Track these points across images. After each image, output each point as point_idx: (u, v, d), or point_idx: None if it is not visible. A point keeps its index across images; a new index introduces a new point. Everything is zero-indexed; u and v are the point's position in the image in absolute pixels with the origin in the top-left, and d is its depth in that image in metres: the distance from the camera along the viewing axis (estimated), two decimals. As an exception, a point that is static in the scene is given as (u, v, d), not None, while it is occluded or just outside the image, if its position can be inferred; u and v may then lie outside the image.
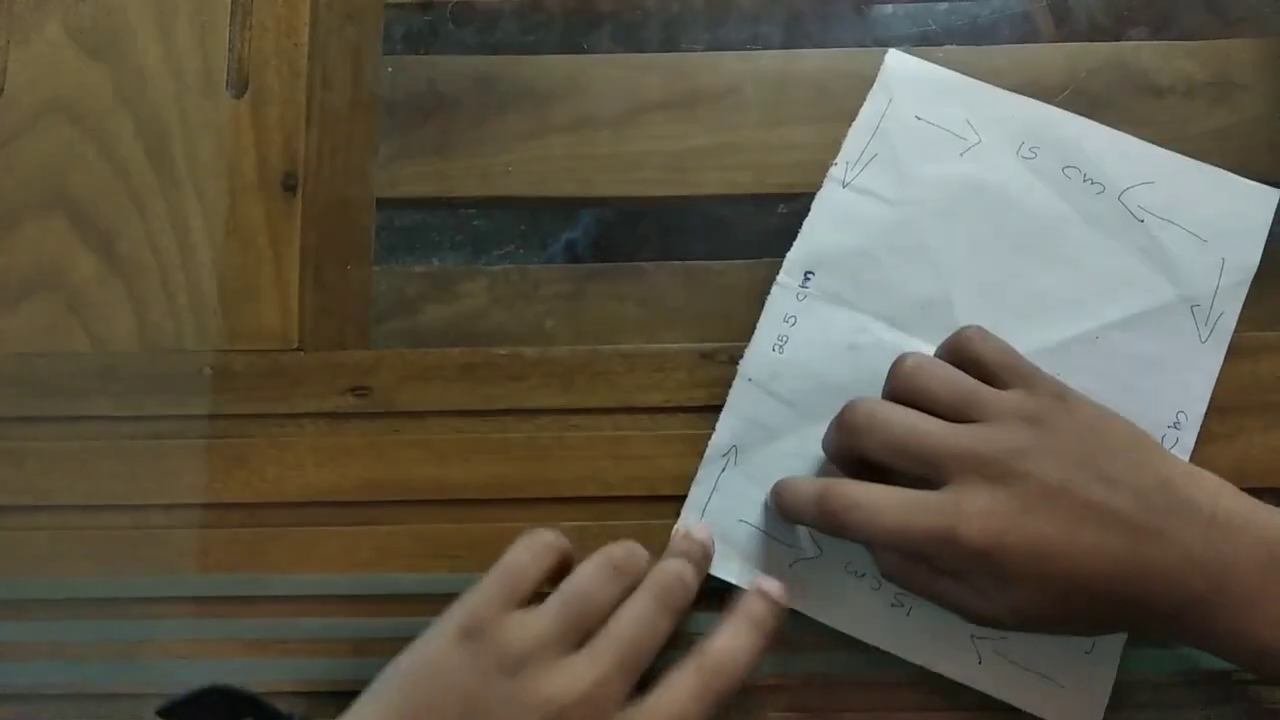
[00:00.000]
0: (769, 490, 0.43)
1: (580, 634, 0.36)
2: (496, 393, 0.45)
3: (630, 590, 0.38)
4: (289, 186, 0.47)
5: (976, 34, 0.50)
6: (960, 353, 0.41)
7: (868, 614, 0.42)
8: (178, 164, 0.47)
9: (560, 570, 0.38)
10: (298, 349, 0.46)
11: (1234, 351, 0.44)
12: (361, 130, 0.48)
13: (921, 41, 0.49)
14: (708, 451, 0.44)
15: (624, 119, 0.48)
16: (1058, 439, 0.37)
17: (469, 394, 0.45)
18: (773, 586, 0.40)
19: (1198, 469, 0.37)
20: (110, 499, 0.44)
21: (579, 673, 0.35)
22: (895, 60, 0.48)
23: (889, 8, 0.51)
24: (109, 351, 0.46)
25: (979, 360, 0.40)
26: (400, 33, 0.50)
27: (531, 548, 0.38)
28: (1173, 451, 0.42)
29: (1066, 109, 0.47)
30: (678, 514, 0.44)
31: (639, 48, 0.50)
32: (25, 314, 0.46)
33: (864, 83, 0.48)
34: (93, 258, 0.47)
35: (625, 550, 0.39)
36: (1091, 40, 0.49)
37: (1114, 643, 0.42)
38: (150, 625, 0.43)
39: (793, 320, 0.45)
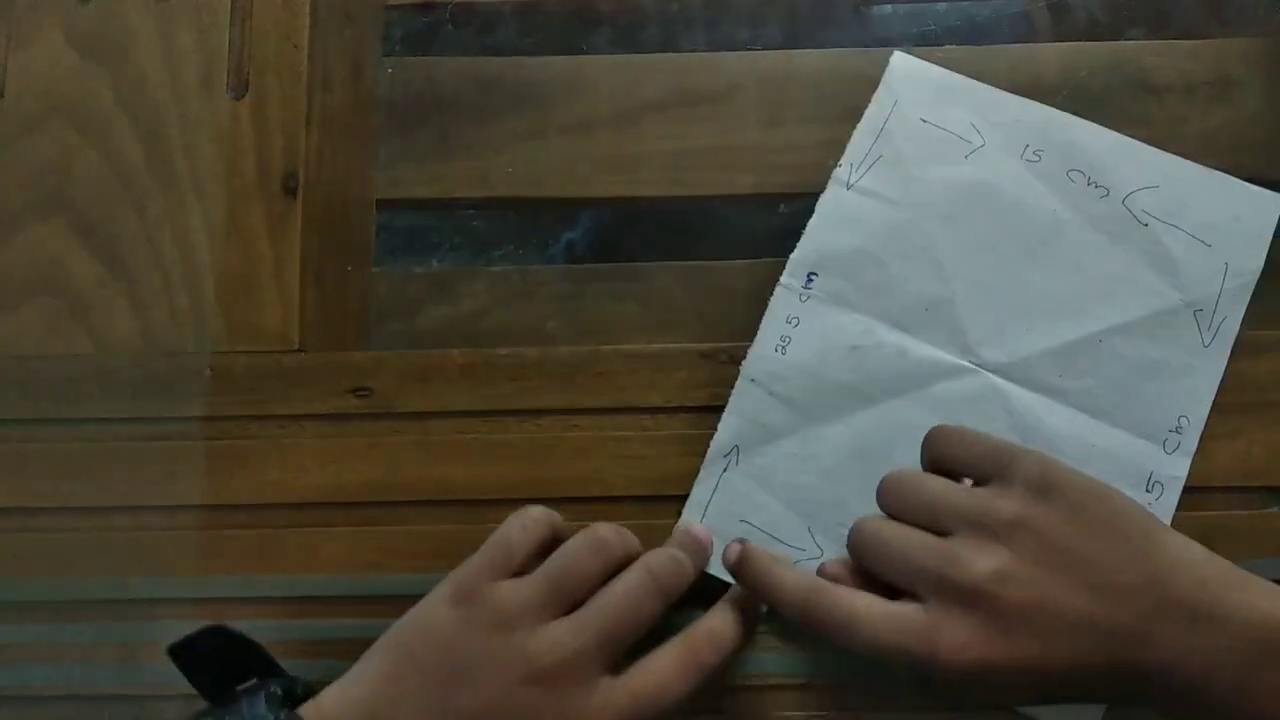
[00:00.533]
0: (769, 493, 0.43)
1: (565, 603, 0.37)
2: (497, 393, 0.45)
3: (616, 567, 0.39)
4: (289, 188, 0.47)
5: (976, 34, 0.50)
6: (934, 455, 0.41)
7: None
8: (178, 166, 0.48)
9: (551, 545, 0.39)
10: (298, 350, 0.46)
11: (1235, 351, 0.44)
12: (361, 132, 0.48)
13: (921, 41, 0.49)
14: (709, 452, 0.44)
15: (624, 119, 0.48)
16: (1037, 543, 0.36)
17: (470, 395, 0.45)
18: None
19: (1186, 544, 0.36)
20: (111, 501, 0.44)
21: (562, 636, 0.36)
22: (900, 62, 0.48)
23: (888, 8, 0.51)
24: (109, 353, 0.46)
25: (951, 460, 0.40)
26: (400, 34, 0.50)
27: (522, 522, 0.39)
28: (1174, 455, 0.42)
29: (1065, 109, 0.47)
30: (678, 514, 0.44)
31: (638, 48, 0.50)
32: (26, 316, 0.46)
33: (864, 83, 0.48)
34: (93, 260, 0.47)
35: (613, 528, 0.40)
36: (1090, 40, 0.49)
37: None
38: (151, 627, 0.43)
39: (795, 321, 0.45)
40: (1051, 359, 0.44)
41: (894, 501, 0.40)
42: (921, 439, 0.42)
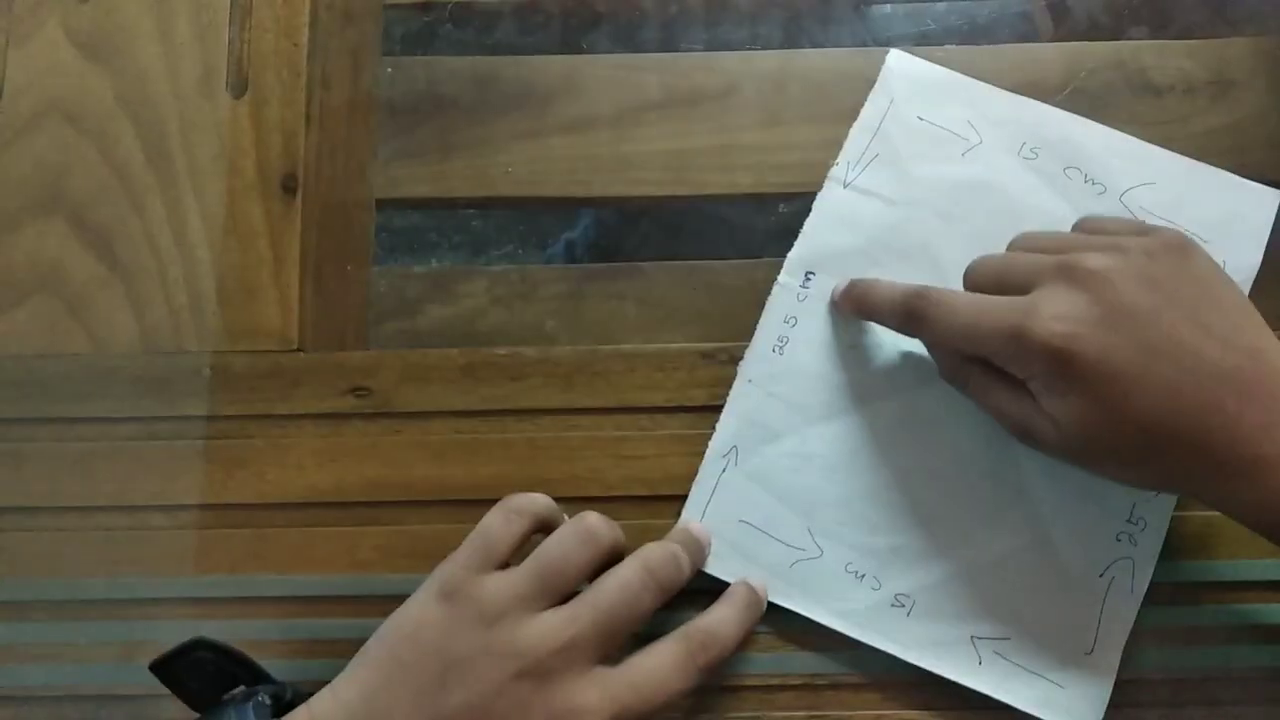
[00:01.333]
0: (768, 493, 0.44)
1: (553, 594, 0.37)
2: (496, 393, 0.45)
3: (604, 558, 0.39)
4: (288, 187, 0.47)
5: (976, 33, 0.50)
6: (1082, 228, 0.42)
7: (868, 615, 0.42)
8: (177, 165, 0.47)
9: (541, 532, 0.39)
10: (297, 350, 0.46)
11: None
12: (361, 131, 0.48)
13: (920, 41, 0.49)
14: (708, 452, 0.44)
15: (623, 119, 0.48)
16: (1159, 271, 0.36)
17: (469, 394, 0.45)
18: (758, 584, 0.42)
19: None
20: (110, 500, 0.44)
21: (553, 627, 0.36)
22: (896, 60, 0.48)
23: (888, 7, 0.51)
24: (108, 353, 0.46)
25: (1100, 228, 0.40)
26: (399, 33, 0.50)
27: (504, 514, 0.39)
28: None
29: (1066, 108, 0.47)
30: (678, 514, 0.44)
31: (638, 48, 0.50)
32: (24, 315, 0.46)
33: (863, 82, 0.48)
34: (92, 259, 0.47)
35: (602, 519, 0.39)
36: (1091, 39, 0.49)
37: (1114, 644, 0.42)
38: (150, 626, 0.43)
39: (793, 321, 0.45)
40: None
41: (1026, 241, 0.41)
42: (920, 438, 0.42)
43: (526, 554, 0.38)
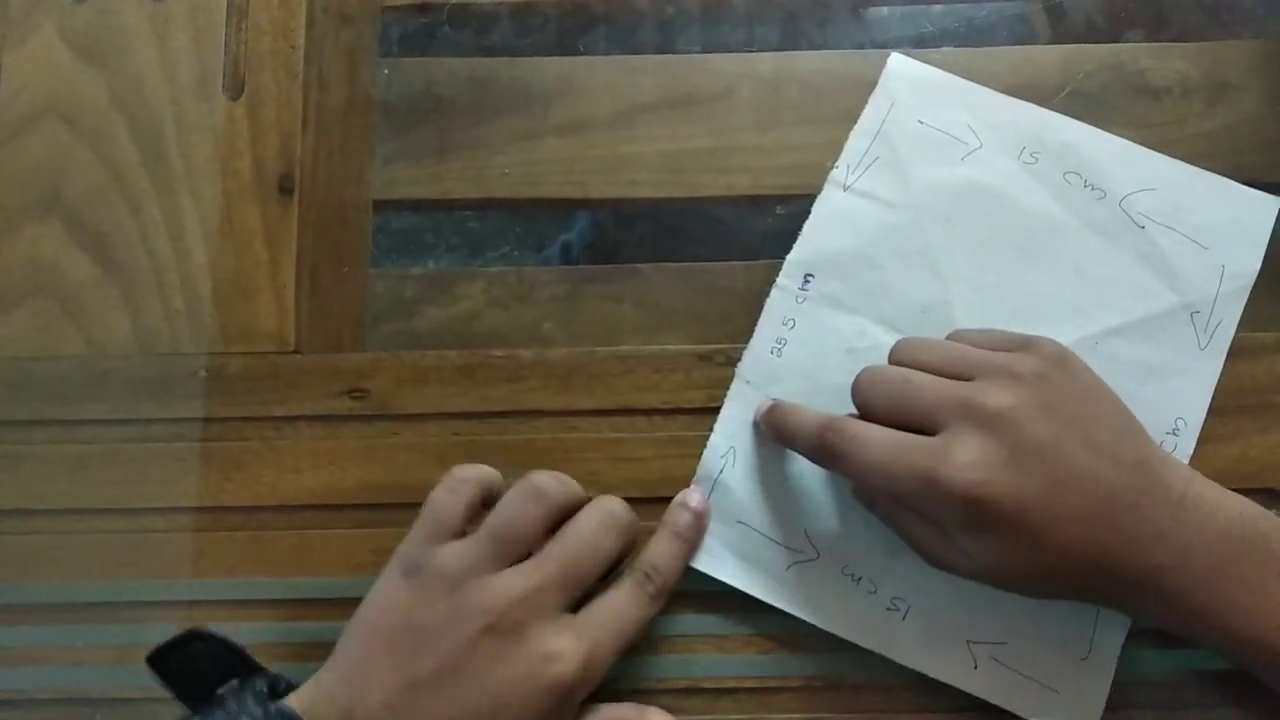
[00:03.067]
0: (765, 495, 0.44)
1: (511, 554, 0.38)
2: (494, 395, 0.45)
3: (560, 514, 0.40)
4: (285, 189, 0.47)
5: (973, 36, 0.50)
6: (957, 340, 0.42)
7: (864, 618, 0.42)
8: (173, 166, 0.47)
9: (487, 501, 0.40)
10: (294, 351, 0.46)
11: (1232, 353, 0.44)
12: (358, 133, 0.48)
13: (918, 44, 0.49)
14: (705, 453, 0.44)
15: (620, 121, 0.48)
16: (1052, 397, 0.37)
17: (466, 396, 0.45)
18: (693, 499, 0.43)
19: (1171, 457, 0.39)
20: (106, 503, 0.44)
21: (513, 581, 0.37)
22: (897, 64, 0.48)
23: (885, 10, 0.51)
24: (104, 355, 0.46)
25: (975, 343, 0.41)
26: (396, 35, 0.50)
27: (448, 486, 0.40)
28: (1174, 455, 0.42)
29: (1064, 111, 0.47)
30: (675, 516, 0.44)
31: (635, 50, 0.50)
32: (20, 317, 0.46)
33: (861, 85, 0.48)
34: (88, 261, 0.46)
35: (550, 475, 0.40)
36: (1088, 42, 0.49)
37: (1110, 648, 0.42)
38: (146, 629, 0.43)
39: (791, 323, 0.45)
40: None
41: (909, 355, 0.41)
42: None
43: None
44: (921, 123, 0.47)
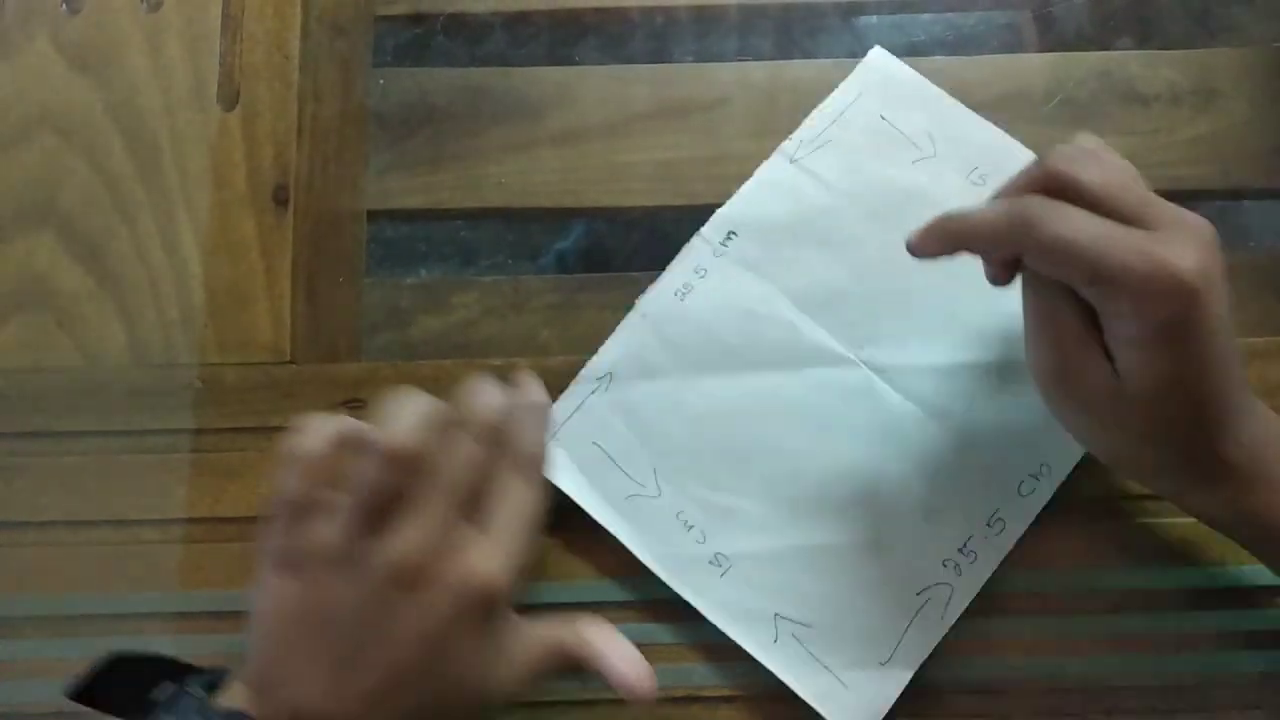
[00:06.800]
0: (628, 426, 0.44)
1: (380, 508, 0.35)
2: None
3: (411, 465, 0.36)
4: (280, 199, 0.47)
5: (963, 44, 0.50)
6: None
7: (684, 564, 0.43)
8: (168, 177, 0.47)
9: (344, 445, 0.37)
10: (290, 362, 0.46)
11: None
12: (352, 143, 0.48)
13: (909, 52, 0.49)
14: (583, 371, 0.45)
15: (614, 130, 0.48)
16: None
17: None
18: (532, 386, 0.42)
19: None
20: (100, 515, 0.44)
21: (405, 530, 0.35)
22: (877, 57, 0.48)
23: (875, 18, 0.51)
24: (99, 366, 0.45)
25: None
26: (390, 45, 0.50)
27: (289, 469, 0.36)
28: (1028, 499, 0.43)
29: (1053, 118, 0.48)
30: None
31: (628, 59, 0.50)
32: (14, 329, 0.46)
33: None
34: (82, 272, 0.46)
35: (407, 411, 0.36)
36: (1078, 50, 0.49)
37: (911, 659, 0.41)
38: (140, 642, 0.42)
39: (703, 273, 0.46)
40: (935, 376, 0.44)
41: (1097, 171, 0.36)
42: (790, 416, 0.44)
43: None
44: (883, 118, 0.47)
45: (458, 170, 0.48)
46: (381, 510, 0.35)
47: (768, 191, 0.47)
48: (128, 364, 0.46)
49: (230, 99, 0.48)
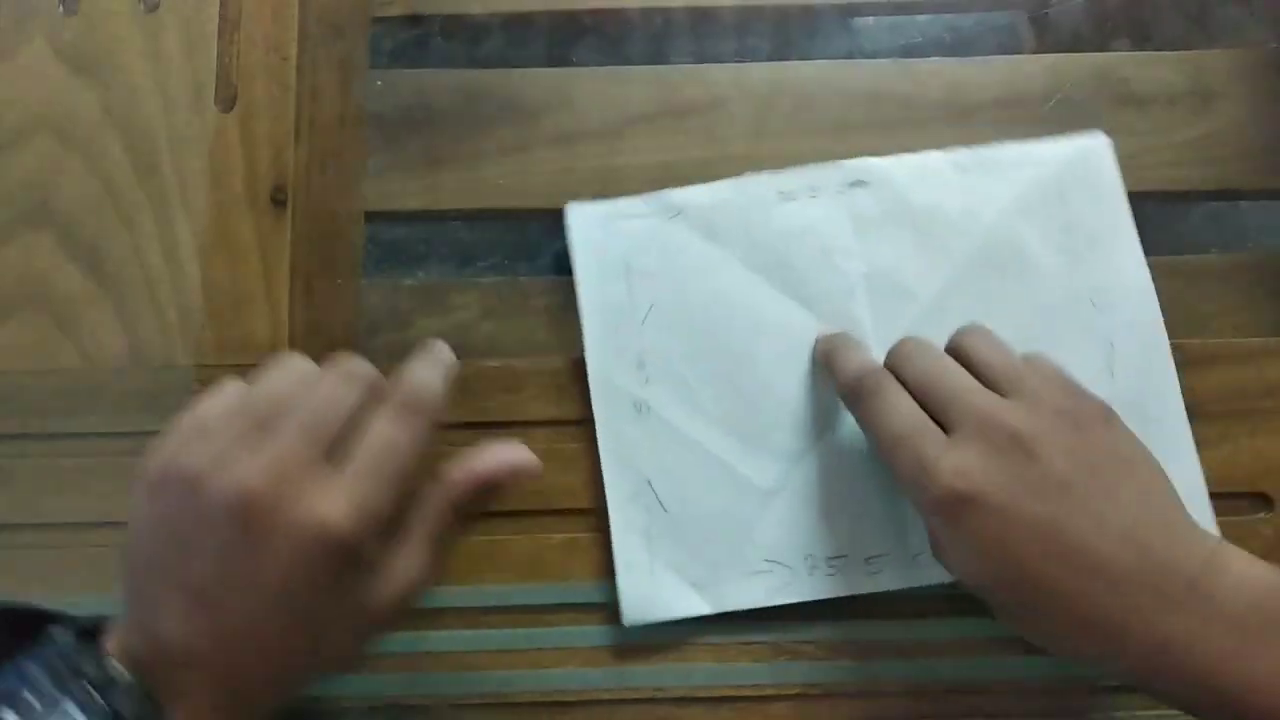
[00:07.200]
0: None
1: (254, 436, 0.34)
2: (490, 405, 0.45)
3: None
4: (278, 201, 0.47)
5: (960, 46, 0.50)
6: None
7: (613, 391, 0.45)
8: (166, 179, 0.47)
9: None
10: (288, 363, 0.46)
11: (1221, 358, 0.45)
12: (350, 144, 0.48)
13: (906, 53, 0.50)
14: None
15: (611, 131, 0.48)
16: (1080, 441, 0.36)
17: (462, 407, 0.45)
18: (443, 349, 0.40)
19: (1197, 528, 0.36)
20: (101, 516, 0.44)
21: (255, 455, 0.33)
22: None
23: (872, 20, 0.51)
24: (97, 368, 0.45)
25: (1036, 369, 0.39)
26: (388, 47, 0.50)
27: (210, 398, 0.36)
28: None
29: (1051, 119, 0.48)
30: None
31: (626, 61, 0.50)
32: (12, 331, 0.46)
33: (851, 95, 0.48)
34: (80, 274, 0.46)
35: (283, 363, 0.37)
36: (1074, 51, 0.49)
37: (723, 599, 0.43)
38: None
39: (815, 194, 0.47)
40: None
41: (964, 339, 0.40)
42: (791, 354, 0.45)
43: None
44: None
45: (456, 171, 0.48)
46: (248, 433, 0.34)
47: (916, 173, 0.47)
48: (126, 365, 0.45)
49: (228, 100, 0.48)
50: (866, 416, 0.40)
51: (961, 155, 0.47)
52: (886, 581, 0.43)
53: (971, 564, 0.37)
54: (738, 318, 0.45)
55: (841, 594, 0.43)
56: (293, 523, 0.32)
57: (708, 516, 0.43)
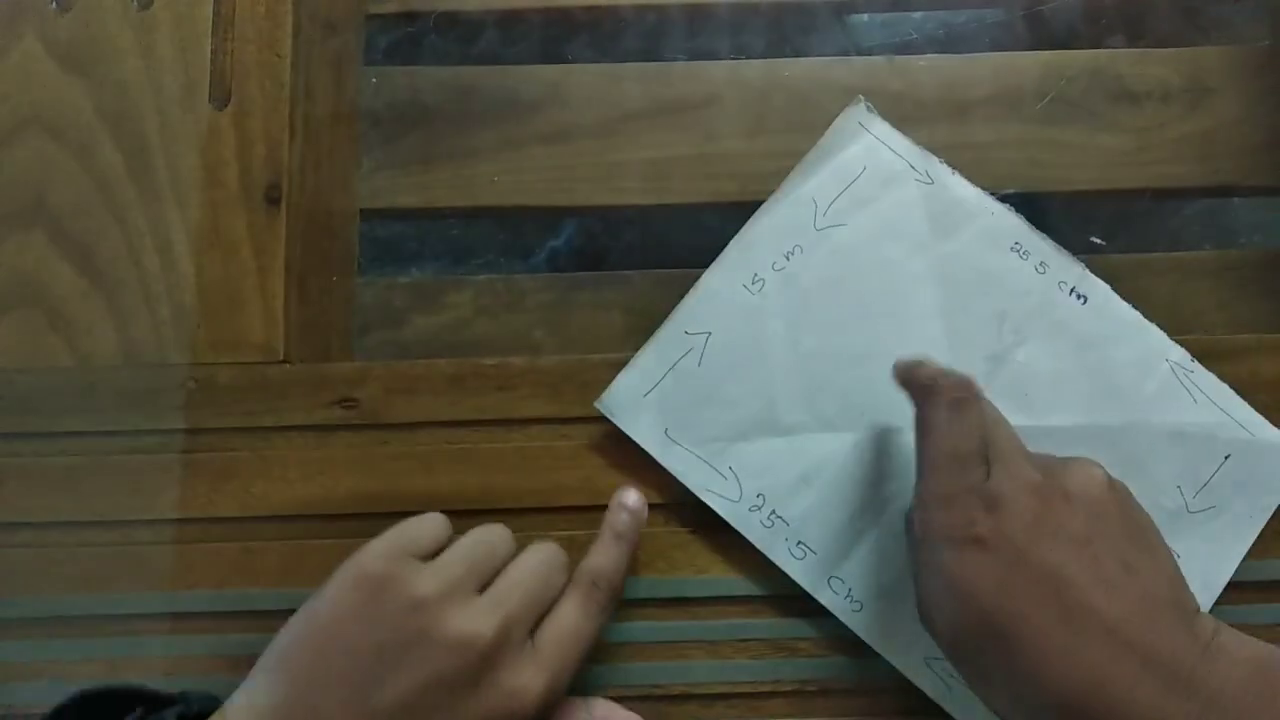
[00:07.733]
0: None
1: (479, 583, 0.37)
2: (484, 403, 0.45)
3: (508, 557, 0.39)
4: (272, 198, 0.47)
5: (954, 42, 0.50)
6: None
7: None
8: (159, 176, 0.47)
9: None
10: (283, 361, 0.46)
11: (1214, 354, 0.45)
12: (344, 141, 0.48)
13: (901, 50, 0.50)
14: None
15: (606, 128, 0.48)
16: (1110, 508, 0.36)
17: (457, 405, 0.45)
18: (630, 498, 0.42)
19: (1201, 615, 0.35)
20: (94, 515, 0.44)
21: (487, 612, 0.36)
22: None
23: (867, 17, 0.51)
24: (90, 366, 0.45)
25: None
26: (382, 44, 0.50)
27: (426, 516, 0.40)
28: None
29: (1045, 116, 0.48)
30: (666, 521, 0.44)
31: (621, 57, 0.50)
32: (4, 329, 0.46)
33: (845, 91, 0.48)
34: (73, 272, 0.46)
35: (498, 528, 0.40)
36: (1069, 48, 0.49)
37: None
38: (134, 642, 0.43)
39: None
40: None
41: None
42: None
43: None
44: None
45: (450, 169, 0.48)
46: (477, 586, 0.37)
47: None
48: (120, 364, 0.45)
49: (222, 98, 0.48)
50: (921, 436, 0.40)
51: (1186, 361, 0.45)
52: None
53: (961, 605, 0.35)
54: (889, 297, 0.45)
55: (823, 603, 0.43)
56: (499, 687, 0.35)
57: (730, 402, 0.44)
